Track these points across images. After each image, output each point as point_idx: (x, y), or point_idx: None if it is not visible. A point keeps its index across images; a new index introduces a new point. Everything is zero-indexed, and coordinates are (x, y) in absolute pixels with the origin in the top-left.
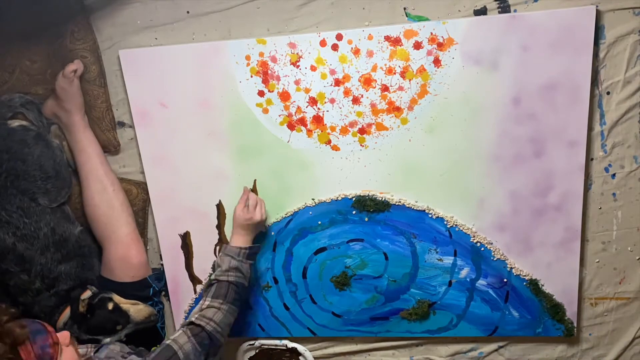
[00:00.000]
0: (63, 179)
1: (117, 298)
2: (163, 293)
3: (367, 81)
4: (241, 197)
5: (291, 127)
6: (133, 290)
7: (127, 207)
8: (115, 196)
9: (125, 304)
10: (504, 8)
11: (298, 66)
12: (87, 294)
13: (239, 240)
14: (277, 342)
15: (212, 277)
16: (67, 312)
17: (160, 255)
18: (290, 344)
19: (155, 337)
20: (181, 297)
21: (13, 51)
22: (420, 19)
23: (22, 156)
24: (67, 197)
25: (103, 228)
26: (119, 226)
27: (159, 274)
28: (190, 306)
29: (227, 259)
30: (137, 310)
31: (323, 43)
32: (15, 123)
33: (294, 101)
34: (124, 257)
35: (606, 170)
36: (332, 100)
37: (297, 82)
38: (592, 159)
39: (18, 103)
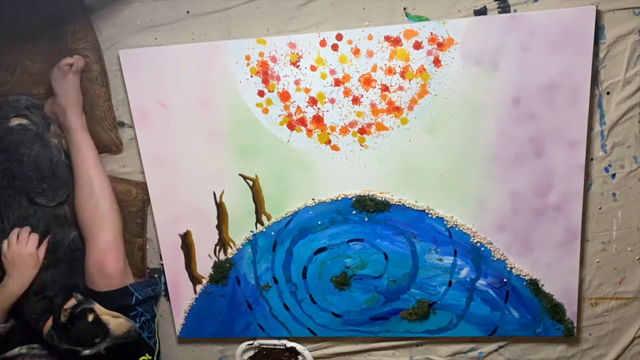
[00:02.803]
0: (60, 179)
1: (99, 309)
2: (164, 294)
3: (367, 81)
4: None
5: (291, 127)
6: (114, 299)
7: (114, 214)
8: (102, 202)
9: (106, 315)
10: (504, 8)
11: (298, 66)
12: (70, 302)
13: None
14: (275, 341)
15: None
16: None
17: (160, 255)
18: (289, 344)
19: (143, 346)
20: (181, 297)
21: (14, 51)
22: (420, 19)
23: (19, 157)
24: (65, 197)
25: (86, 231)
26: (99, 232)
27: (145, 282)
28: (190, 306)
29: None
30: (117, 324)
31: (323, 43)
32: (14, 122)
33: (294, 101)
34: (100, 264)
35: (606, 170)
36: (332, 100)
37: (297, 82)
38: (592, 159)
39: (23, 105)
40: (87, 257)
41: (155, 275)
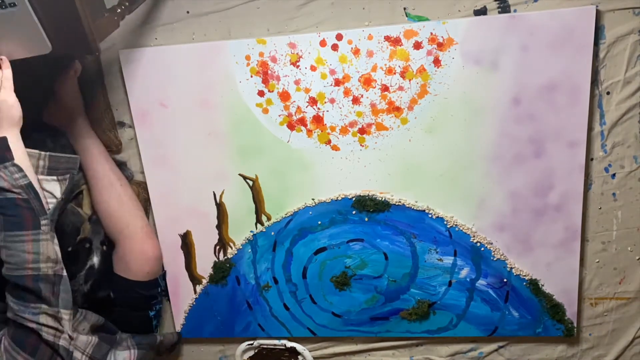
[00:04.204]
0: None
1: None
2: (164, 294)
3: (367, 81)
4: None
5: (291, 127)
6: (143, 289)
7: (137, 201)
8: (124, 191)
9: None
10: (504, 8)
11: (298, 66)
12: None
13: None
14: (276, 341)
15: None
16: None
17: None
18: (289, 344)
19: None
20: (181, 297)
21: None
22: (420, 19)
23: None
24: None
25: (115, 223)
26: (132, 219)
27: (163, 274)
28: (190, 306)
29: None
30: None
31: (323, 43)
32: None
33: (294, 101)
34: (141, 250)
35: (606, 170)
36: (332, 100)
37: (297, 82)
38: (592, 159)
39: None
40: (123, 246)
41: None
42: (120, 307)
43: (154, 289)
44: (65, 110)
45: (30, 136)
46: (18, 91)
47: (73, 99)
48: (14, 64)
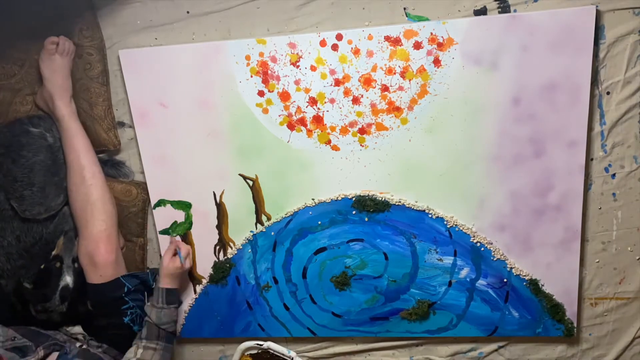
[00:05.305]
0: (45, 196)
1: None
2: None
3: (367, 81)
4: (169, 246)
5: (291, 127)
6: (107, 291)
7: (106, 203)
8: (94, 190)
9: None
10: (504, 8)
11: (298, 66)
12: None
13: (166, 284)
14: (284, 351)
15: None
16: None
17: (160, 255)
18: (296, 359)
19: (133, 338)
20: (181, 297)
21: (23, 45)
22: (420, 19)
23: (16, 156)
24: (40, 218)
25: (78, 222)
26: (91, 222)
27: (134, 274)
28: (190, 306)
29: (153, 310)
30: None
31: (323, 43)
32: (36, 130)
33: (294, 101)
34: (91, 254)
35: (606, 170)
36: (332, 100)
37: (297, 82)
38: (592, 159)
39: (55, 126)
40: (79, 247)
41: (147, 269)
42: (99, 318)
43: (118, 291)
44: (48, 92)
45: (28, 132)
46: None
47: (56, 79)
48: None
